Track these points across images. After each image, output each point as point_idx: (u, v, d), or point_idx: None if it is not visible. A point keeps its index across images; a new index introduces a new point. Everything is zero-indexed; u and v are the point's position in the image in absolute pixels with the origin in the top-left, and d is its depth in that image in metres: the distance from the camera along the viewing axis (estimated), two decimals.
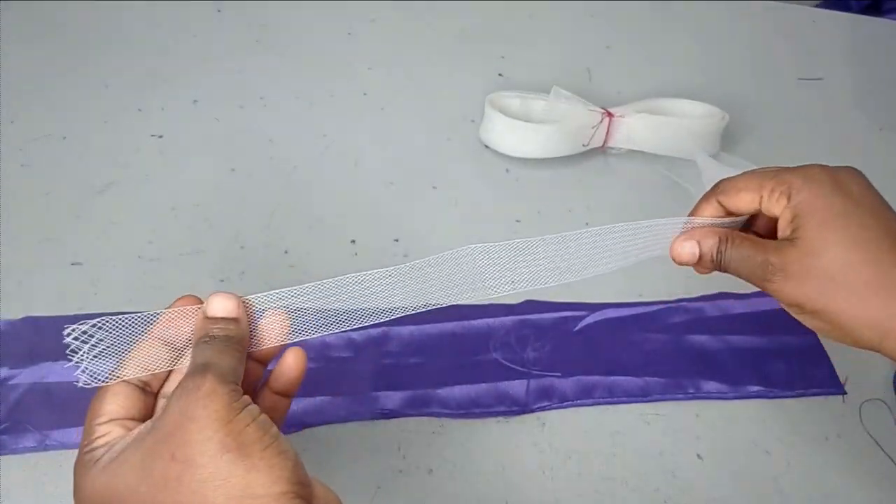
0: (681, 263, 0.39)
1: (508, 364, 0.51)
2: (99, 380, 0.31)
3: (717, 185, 0.39)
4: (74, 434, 0.45)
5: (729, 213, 0.39)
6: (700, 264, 0.38)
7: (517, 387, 0.50)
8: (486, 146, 0.63)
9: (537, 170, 0.63)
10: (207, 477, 0.27)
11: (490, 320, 0.53)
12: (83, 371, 0.31)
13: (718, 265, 0.38)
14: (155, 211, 0.57)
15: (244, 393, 0.30)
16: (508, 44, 0.75)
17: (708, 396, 0.51)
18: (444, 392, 0.49)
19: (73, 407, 0.46)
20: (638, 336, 0.54)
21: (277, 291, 0.34)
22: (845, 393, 0.53)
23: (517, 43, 0.75)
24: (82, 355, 0.31)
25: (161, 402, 0.33)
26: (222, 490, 0.26)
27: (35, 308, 0.50)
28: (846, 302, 0.34)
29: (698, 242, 0.38)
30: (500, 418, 0.49)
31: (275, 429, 0.29)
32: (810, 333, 0.54)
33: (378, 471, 0.46)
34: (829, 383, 0.53)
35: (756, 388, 0.52)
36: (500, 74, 0.71)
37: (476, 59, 0.72)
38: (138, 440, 0.29)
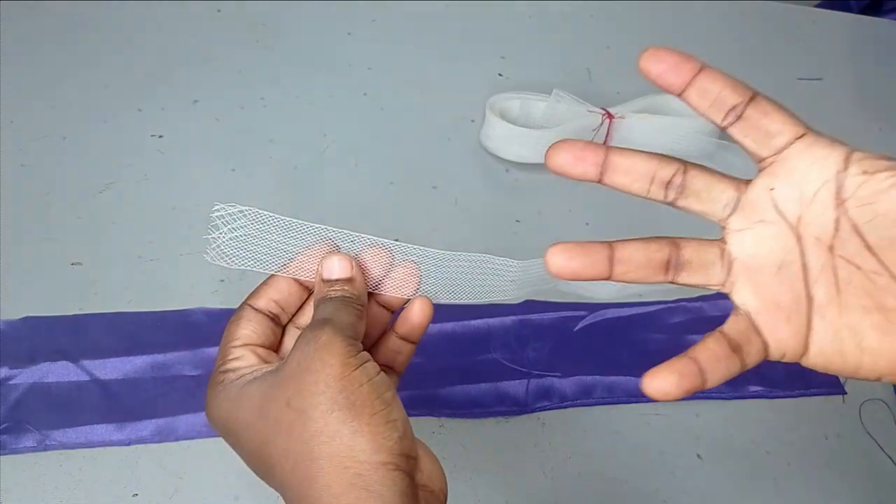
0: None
1: (508, 364, 0.51)
2: (225, 259, 0.33)
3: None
4: (74, 434, 0.45)
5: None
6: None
7: (517, 387, 0.50)
8: (487, 151, 0.63)
9: (537, 170, 0.63)
10: (315, 431, 0.27)
11: (490, 320, 0.53)
12: (216, 248, 0.33)
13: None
14: (155, 211, 0.57)
15: (368, 334, 0.30)
16: (508, 44, 0.75)
17: (708, 396, 0.51)
18: (444, 392, 0.49)
19: (73, 407, 0.46)
20: (638, 336, 0.54)
21: (403, 245, 0.35)
22: (845, 393, 0.53)
23: (517, 43, 0.75)
24: (220, 234, 0.33)
25: (292, 333, 0.34)
26: (327, 448, 0.26)
27: (35, 308, 0.50)
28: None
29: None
30: (500, 418, 0.49)
31: (389, 393, 0.29)
32: None
33: None
34: (829, 383, 0.53)
35: (756, 388, 0.52)
36: (499, 74, 0.71)
37: (476, 59, 0.72)
38: (262, 379, 0.29)
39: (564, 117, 0.62)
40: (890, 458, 0.50)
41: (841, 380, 0.53)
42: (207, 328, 0.50)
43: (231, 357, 0.31)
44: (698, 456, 0.49)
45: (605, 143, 0.64)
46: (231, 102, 0.65)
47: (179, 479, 0.44)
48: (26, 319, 0.49)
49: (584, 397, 0.50)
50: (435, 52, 0.72)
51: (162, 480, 0.44)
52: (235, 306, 0.52)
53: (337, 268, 0.32)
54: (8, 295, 0.51)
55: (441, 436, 0.48)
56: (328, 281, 0.32)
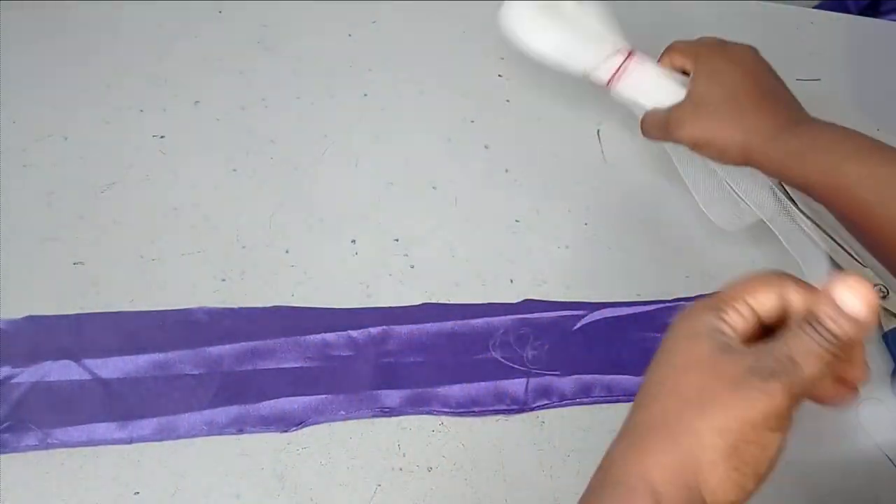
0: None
1: (508, 363, 0.51)
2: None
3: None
4: (76, 432, 0.45)
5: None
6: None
7: (517, 385, 0.50)
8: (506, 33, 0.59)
9: (536, 169, 0.63)
10: (698, 445, 0.27)
11: (489, 319, 0.53)
12: None
13: (641, 127, 0.55)
14: (156, 211, 0.57)
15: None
16: (508, 44, 0.75)
17: None
18: (443, 390, 0.50)
19: (74, 405, 0.46)
20: (637, 335, 0.54)
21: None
22: None
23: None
24: None
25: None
26: (712, 474, 0.27)
27: (37, 307, 0.50)
28: (720, 130, 0.49)
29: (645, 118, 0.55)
30: (500, 417, 0.49)
31: (764, 466, 0.29)
32: None
33: (378, 469, 0.46)
34: None
35: None
36: (499, 75, 0.71)
37: (476, 59, 0.72)
38: (724, 351, 0.28)
39: (590, 24, 0.57)
40: (888, 457, 0.50)
41: None
42: (209, 327, 0.51)
43: (736, 309, 0.30)
44: None
45: (609, 80, 0.58)
46: (232, 103, 0.65)
47: (181, 478, 0.45)
48: (28, 318, 0.49)
49: (584, 396, 0.50)
50: (435, 53, 0.72)
51: (163, 479, 0.44)
52: (236, 305, 0.52)
53: (857, 304, 0.25)
54: (10, 294, 0.51)
55: (441, 435, 0.48)
56: (837, 310, 0.26)
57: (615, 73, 0.56)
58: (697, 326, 0.30)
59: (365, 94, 0.68)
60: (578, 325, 0.54)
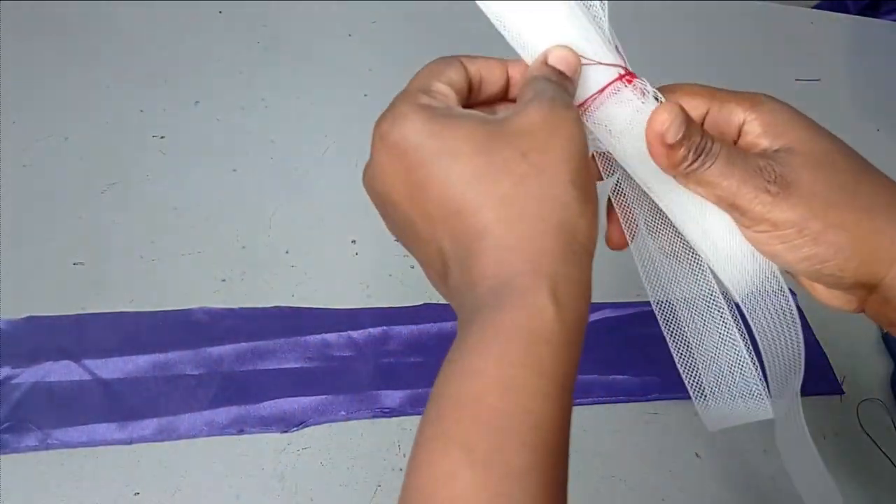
0: (655, 133, 0.29)
1: None
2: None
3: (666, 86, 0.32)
4: (76, 433, 0.45)
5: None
6: (673, 148, 0.28)
7: None
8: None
9: None
10: (552, 196, 0.26)
11: None
12: None
13: (693, 163, 0.29)
14: (156, 211, 0.57)
15: None
16: (509, 44, 0.75)
17: None
18: None
19: (74, 406, 0.46)
20: (637, 335, 0.54)
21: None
22: (843, 392, 0.53)
23: None
24: None
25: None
26: (559, 215, 0.25)
27: (37, 307, 0.50)
28: (843, 238, 0.28)
29: (686, 124, 0.28)
30: None
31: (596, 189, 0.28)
32: (808, 333, 0.55)
33: (378, 469, 0.46)
34: (827, 383, 0.53)
35: None
36: None
37: None
38: (483, 120, 0.27)
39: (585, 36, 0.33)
40: (888, 457, 0.50)
41: (839, 380, 0.53)
42: (209, 328, 0.50)
43: (435, 89, 0.29)
44: (697, 455, 0.49)
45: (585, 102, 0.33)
46: (232, 103, 0.65)
47: (181, 478, 0.45)
48: (28, 319, 0.49)
49: (583, 396, 0.50)
50: (435, 53, 0.72)
51: (163, 479, 0.44)
52: (237, 306, 0.52)
53: (564, 61, 0.30)
54: (10, 294, 0.51)
55: None
56: (550, 66, 0.30)
57: (598, 94, 0.32)
58: (434, 116, 0.27)
59: (365, 95, 0.68)
60: None
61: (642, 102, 0.30)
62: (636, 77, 0.32)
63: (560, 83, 0.29)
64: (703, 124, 0.31)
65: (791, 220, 0.28)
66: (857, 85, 0.77)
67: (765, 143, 0.30)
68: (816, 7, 0.99)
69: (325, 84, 0.69)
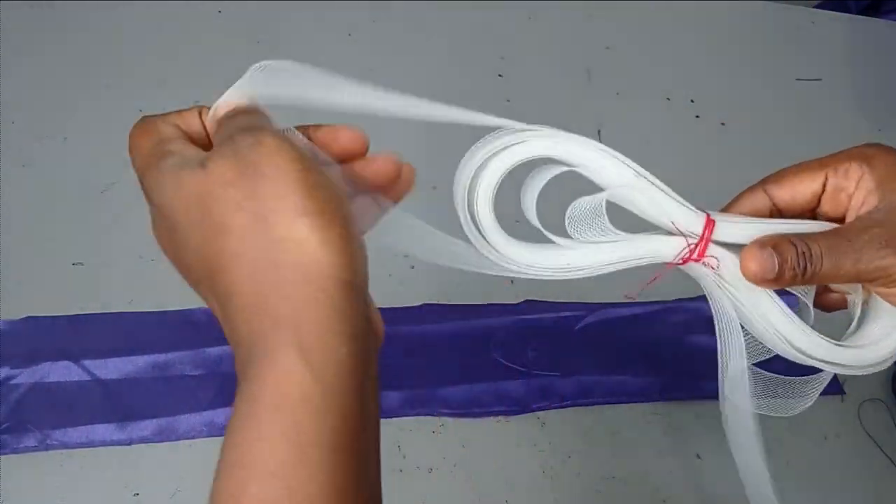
0: (754, 281, 0.30)
1: (508, 364, 0.51)
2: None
3: (766, 177, 0.33)
4: (75, 434, 0.45)
5: (778, 211, 0.33)
6: (778, 281, 0.29)
7: (517, 386, 0.50)
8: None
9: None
10: (279, 238, 0.23)
11: (490, 320, 0.53)
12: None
13: (804, 277, 0.29)
14: None
15: None
16: (508, 44, 0.75)
17: (708, 396, 0.51)
18: (443, 391, 0.49)
19: (74, 406, 0.46)
20: (638, 336, 0.54)
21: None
22: (844, 393, 0.53)
23: (517, 43, 0.75)
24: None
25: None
26: (293, 256, 0.23)
27: (36, 308, 0.50)
28: None
29: (774, 249, 0.29)
30: (500, 418, 0.49)
31: (348, 206, 0.26)
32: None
33: None
34: (829, 384, 0.53)
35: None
36: (499, 75, 0.71)
37: (476, 59, 0.72)
38: (195, 172, 0.25)
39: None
40: (889, 457, 0.50)
41: (840, 381, 0.53)
42: (208, 328, 0.50)
43: (173, 137, 0.28)
44: (698, 456, 0.49)
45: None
46: None
47: (180, 479, 0.45)
48: (27, 319, 0.49)
49: (584, 397, 0.50)
50: (435, 53, 0.72)
51: (163, 480, 0.44)
52: None
53: (229, 101, 0.29)
54: (9, 295, 0.51)
55: (441, 435, 0.48)
56: (227, 115, 0.29)
57: (696, 247, 0.31)
58: (172, 174, 0.26)
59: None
60: (579, 325, 0.54)
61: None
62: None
63: (248, 114, 0.28)
64: (821, 195, 0.32)
65: None
66: (857, 85, 0.77)
67: (874, 200, 0.30)
68: (817, 7, 0.98)
69: None
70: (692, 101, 0.72)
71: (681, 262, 0.32)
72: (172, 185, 0.26)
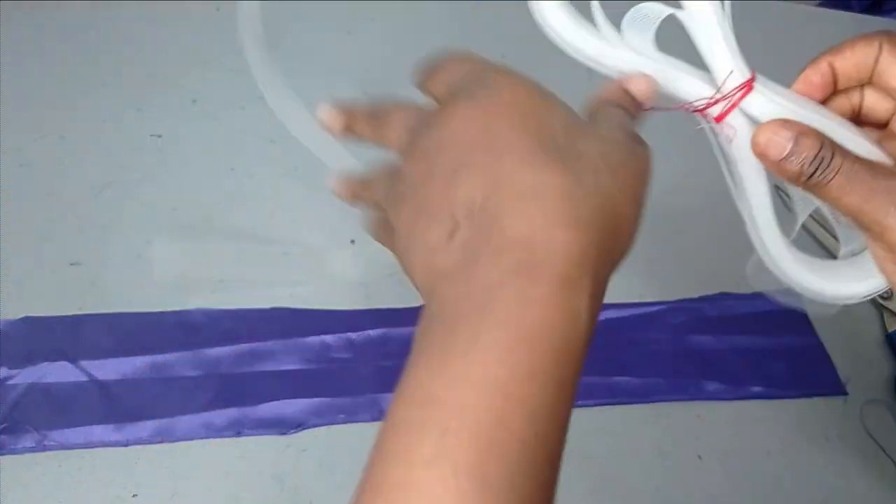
0: (756, 151, 0.29)
1: None
2: None
3: (827, 49, 0.33)
4: (73, 434, 0.45)
5: (835, 83, 0.32)
6: (783, 166, 0.28)
7: None
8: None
9: None
10: (617, 198, 0.25)
11: None
12: None
13: (808, 179, 0.28)
14: (154, 211, 0.57)
15: None
16: (508, 44, 0.74)
17: (709, 397, 0.51)
18: None
19: (72, 407, 0.46)
20: (639, 336, 0.53)
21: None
22: (846, 393, 0.53)
23: (517, 43, 0.75)
24: None
25: None
26: (616, 217, 0.24)
27: (34, 308, 0.50)
28: None
29: (797, 137, 0.28)
30: None
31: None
32: (812, 334, 0.54)
33: None
34: (831, 384, 0.53)
35: (757, 389, 0.52)
36: None
37: None
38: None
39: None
40: (891, 458, 0.50)
41: (842, 381, 0.53)
42: (206, 329, 0.50)
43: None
44: (698, 456, 0.49)
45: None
46: (230, 102, 0.65)
47: (179, 481, 0.44)
48: (25, 319, 0.49)
49: (585, 398, 0.50)
50: (435, 52, 0.72)
51: (161, 481, 0.44)
52: (235, 307, 0.52)
53: (645, 89, 0.30)
54: (7, 295, 0.50)
55: None
56: (628, 93, 0.30)
57: (731, 106, 0.31)
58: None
59: (365, 94, 0.68)
60: None
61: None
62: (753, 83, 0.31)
63: (630, 111, 0.29)
64: (872, 75, 0.31)
65: None
66: None
67: None
68: (820, 5, 0.98)
69: (324, 83, 0.68)
70: None
71: (699, 110, 0.31)
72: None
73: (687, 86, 0.30)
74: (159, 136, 0.62)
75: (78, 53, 0.66)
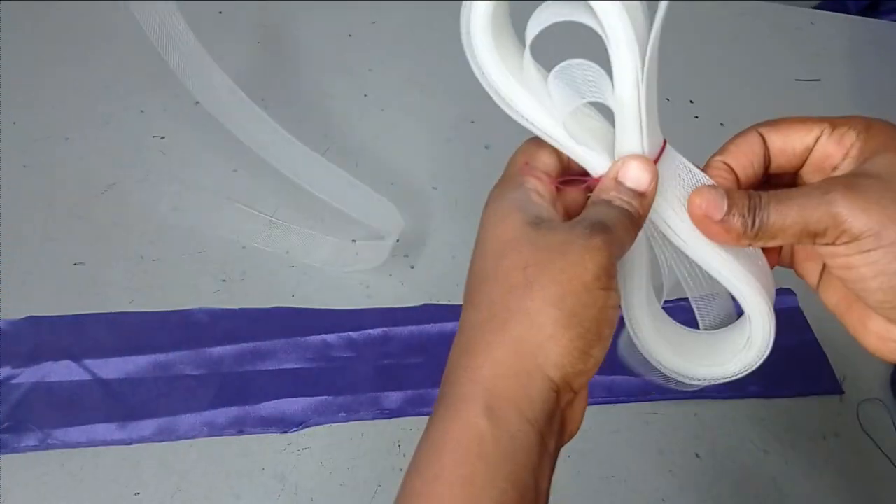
0: (698, 216, 0.29)
1: None
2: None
3: (762, 122, 0.32)
4: (76, 433, 0.45)
5: (767, 157, 0.32)
6: (725, 224, 0.28)
7: None
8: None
9: None
10: (526, 309, 0.26)
11: None
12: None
13: (753, 227, 0.28)
14: (156, 211, 0.57)
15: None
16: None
17: (707, 396, 0.51)
18: None
19: (74, 406, 0.46)
20: None
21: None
22: (843, 392, 0.53)
23: None
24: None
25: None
26: (521, 330, 0.26)
27: (37, 308, 0.50)
28: None
29: (727, 192, 0.29)
30: None
31: (608, 330, 0.28)
32: (808, 333, 0.55)
33: (378, 470, 0.46)
34: (827, 383, 0.53)
35: (754, 388, 0.52)
36: None
37: None
38: (529, 224, 0.27)
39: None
40: (888, 457, 0.50)
41: (839, 380, 0.53)
42: (209, 328, 0.50)
43: (533, 177, 0.29)
44: (697, 455, 0.49)
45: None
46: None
47: (181, 479, 0.45)
48: (29, 319, 0.49)
49: None
50: (435, 53, 0.72)
51: (164, 480, 0.44)
52: (236, 306, 0.52)
53: (636, 176, 0.29)
54: (10, 295, 0.51)
55: None
56: (620, 183, 0.29)
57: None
58: (504, 206, 0.29)
59: (365, 95, 0.68)
60: None
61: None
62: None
63: (628, 209, 0.28)
64: (808, 156, 0.31)
65: (866, 225, 0.26)
66: (857, 85, 0.77)
67: (850, 169, 0.29)
68: (817, 7, 0.99)
69: (325, 84, 0.69)
70: (691, 101, 0.72)
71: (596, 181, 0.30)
72: (497, 215, 0.29)
73: (592, 159, 0.30)
74: (162, 138, 0.62)
75: (81, 54, 0.67)
